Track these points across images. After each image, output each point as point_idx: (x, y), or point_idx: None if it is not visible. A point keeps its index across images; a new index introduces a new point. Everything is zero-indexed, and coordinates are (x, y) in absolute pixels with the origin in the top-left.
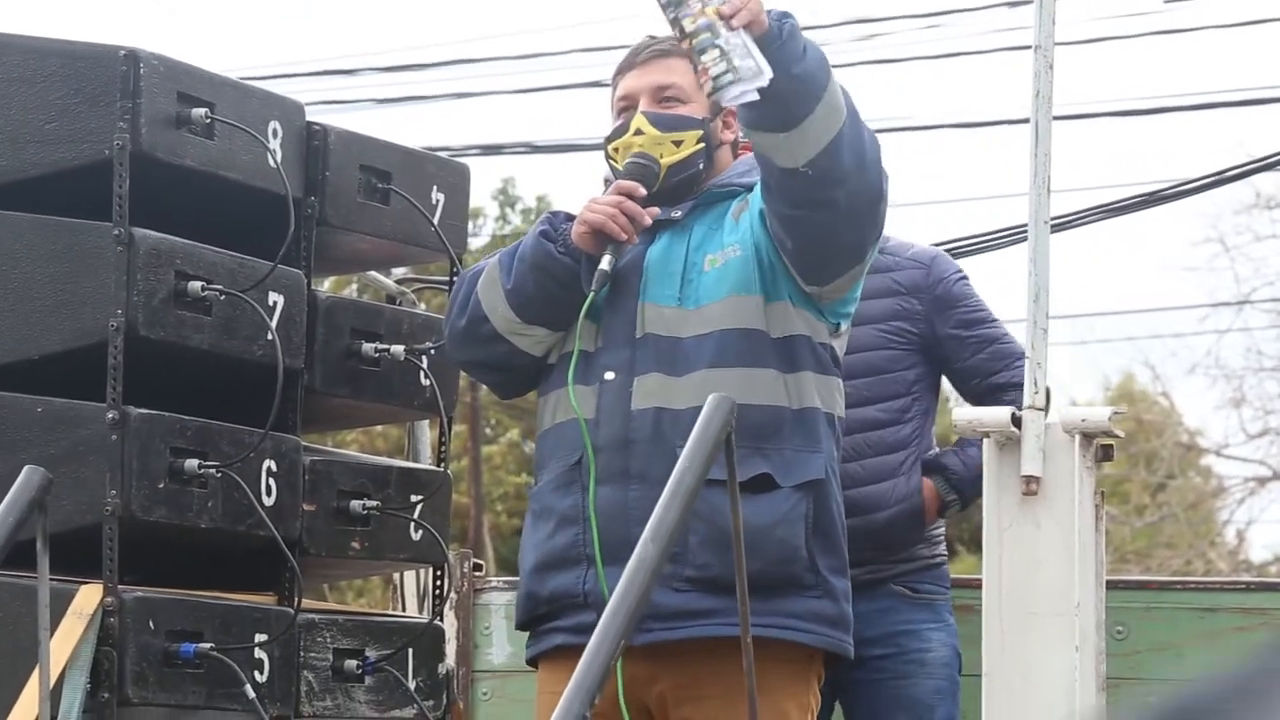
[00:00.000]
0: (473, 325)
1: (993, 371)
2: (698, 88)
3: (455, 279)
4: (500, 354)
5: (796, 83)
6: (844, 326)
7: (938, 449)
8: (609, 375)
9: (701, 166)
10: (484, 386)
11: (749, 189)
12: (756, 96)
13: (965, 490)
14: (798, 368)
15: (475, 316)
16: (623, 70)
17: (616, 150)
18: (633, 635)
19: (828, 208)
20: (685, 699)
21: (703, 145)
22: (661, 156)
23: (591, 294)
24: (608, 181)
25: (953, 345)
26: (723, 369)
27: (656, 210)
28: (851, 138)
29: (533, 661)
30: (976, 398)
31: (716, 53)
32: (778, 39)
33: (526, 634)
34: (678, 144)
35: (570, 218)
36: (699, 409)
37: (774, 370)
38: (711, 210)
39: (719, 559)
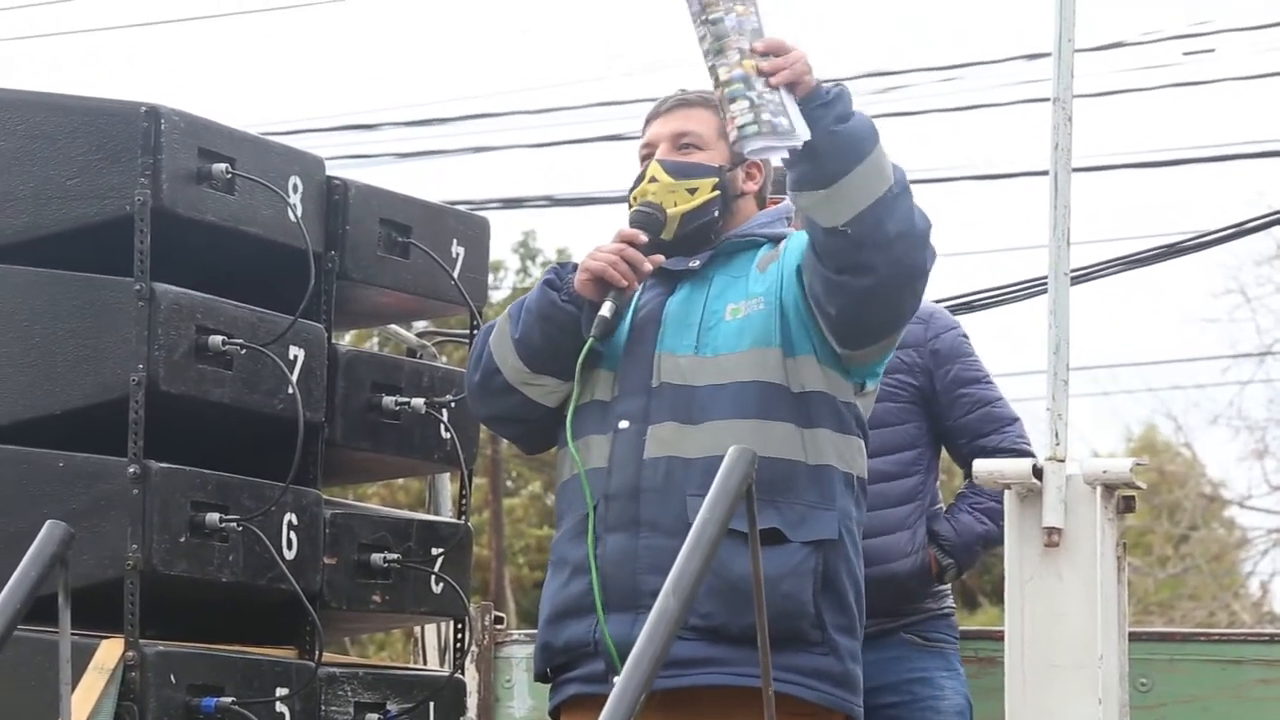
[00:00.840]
0: (486, 378)
1: (982, 434)
2: (718, 136)
3: (475, 332)
4: (513, 405)
5: (836, 139)
6: (869, 386)
7: (941, 505)
8: (623, 424)
9: (717, 214)
10: (505, 440)
11: (772, 240)
12: (785, 154)
13: (958, 557)
14: (815, 424)
15: (488, 370)
16: (649, 119)
17: (636, 200)
18: None
19: (869, 273)
20: None
21: (718, 193)
22: (676, 204)
23: (590, 339)
24: None
25: (946, 401)
26: (738, 420)
27: (660, 258)
28: (898, 208)
29: (554, 713)
30: (963, 459)
31: (746, 104)
32: (821, 99)
33: (548, 686)
34: (692, 191)
35: (576, 267)
36: (712, 459)
37: (790, 424)
38: (733, 260)
39: (723, 609)
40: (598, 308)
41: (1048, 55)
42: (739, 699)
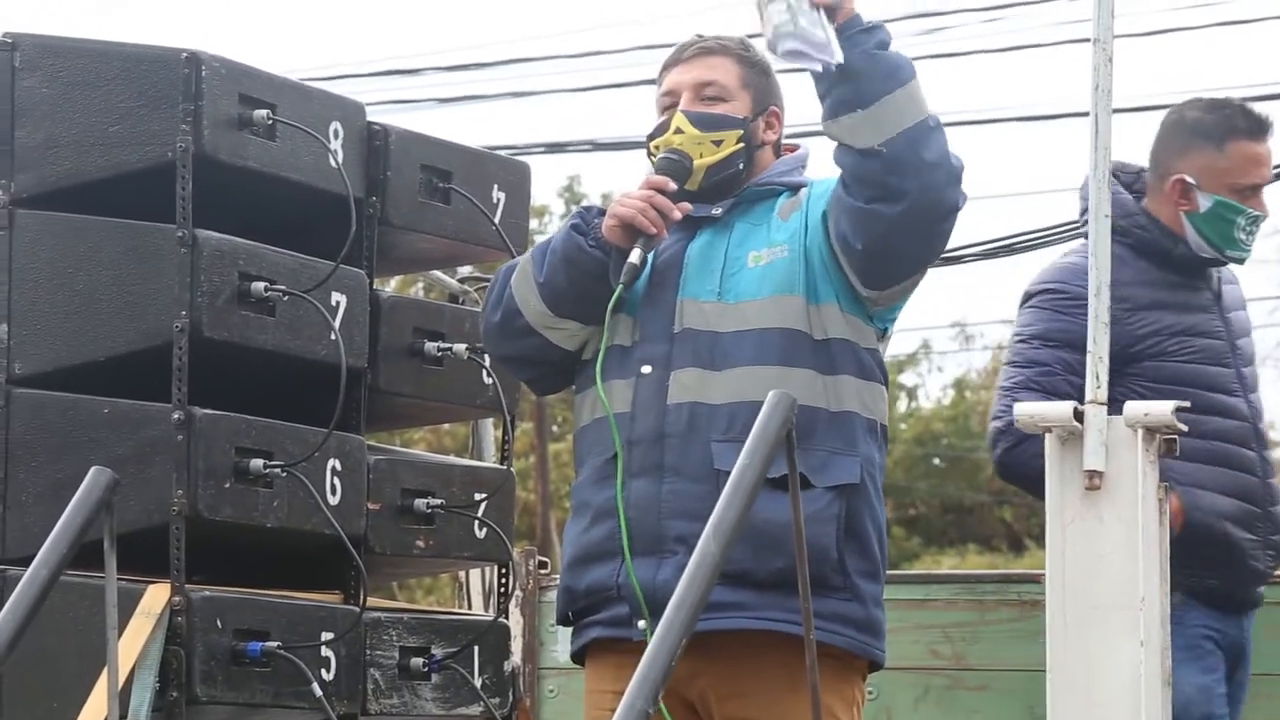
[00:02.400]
0: (506, 319)
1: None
2: (741, 86)
3: None
4: (533, 348)
5: (875, 61)
6: (889, 332)
7: None
8: (645, 369)
9: (741, 166)
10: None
11: (791, 188)
12: (817, 67)
13: None
14: (837, 371)
15: (509, 311)
16: (668, 66)
17: (658, 148)
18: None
19: (900, 199)
20: (728, 695)
21: (743, 145)
22: (701, 156)
23: (620, 287)
24: None
25: None
26: (760, 366)
27: (688, 206)
28: (934, 140)
29: (577, 658)
30: None
31: (783, 5)
32: (861, 25)
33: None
34: (717, 143)
35: (602, 212)
36: (735, 405)
37: (812, 371)
38: (755, 208)
39: (748, 554)
40: (626, 254)
41: None
42: (761, 644)
